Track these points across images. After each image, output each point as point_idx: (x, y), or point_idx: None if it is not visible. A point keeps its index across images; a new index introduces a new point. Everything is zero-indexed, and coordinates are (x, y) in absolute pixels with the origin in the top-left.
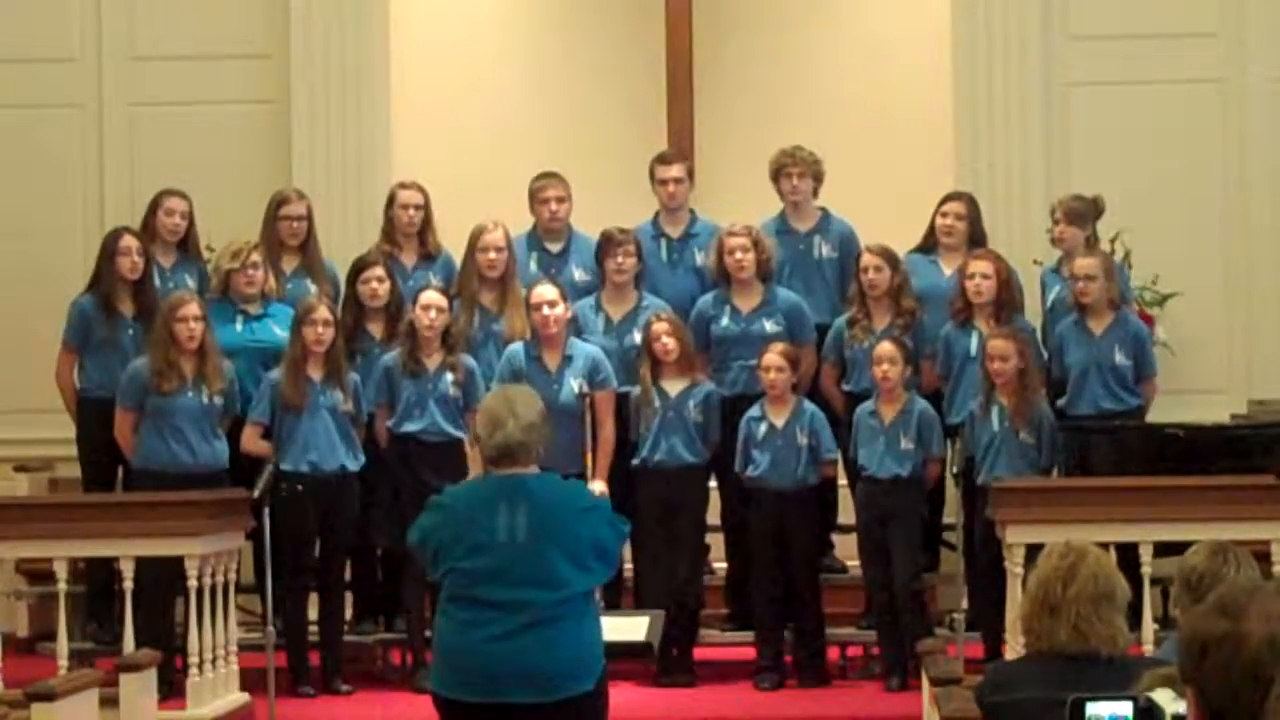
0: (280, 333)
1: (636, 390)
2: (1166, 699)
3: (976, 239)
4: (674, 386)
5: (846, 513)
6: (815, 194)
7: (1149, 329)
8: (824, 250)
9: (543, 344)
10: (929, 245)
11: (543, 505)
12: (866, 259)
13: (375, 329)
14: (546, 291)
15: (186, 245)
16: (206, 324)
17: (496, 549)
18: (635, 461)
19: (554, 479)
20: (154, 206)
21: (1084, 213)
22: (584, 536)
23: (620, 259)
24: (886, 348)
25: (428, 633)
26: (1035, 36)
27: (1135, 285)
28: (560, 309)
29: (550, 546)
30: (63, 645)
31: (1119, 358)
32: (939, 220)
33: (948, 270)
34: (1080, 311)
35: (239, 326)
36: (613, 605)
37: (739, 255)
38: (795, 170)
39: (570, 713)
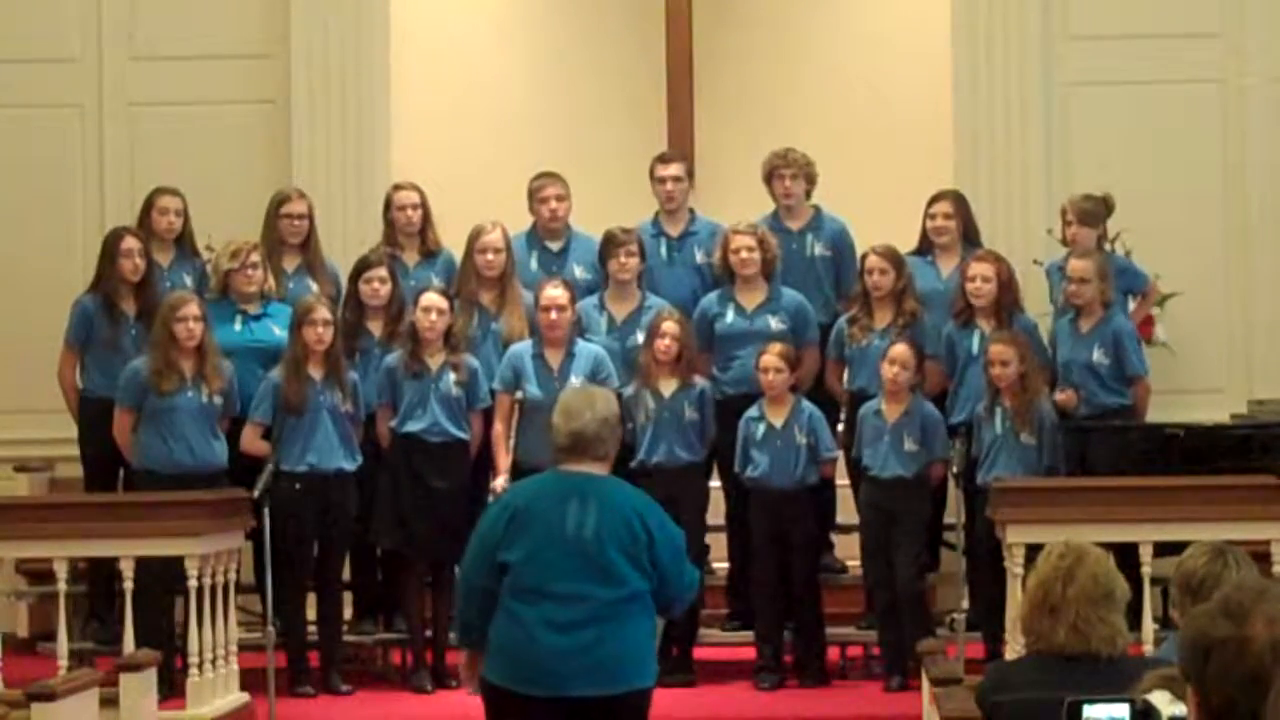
0: (280, 332)
1: (629, 389)
2: (1164, 701)
3: (969, 236)
4: (668, 387)
5: (846, 513)
6: (808, 195)
7: (1143, 328)
8: (817, 249)
9: (546, 343)
10: (924, 247)
11: (613, 506)
12: (871, 260)
13: (376, 328)
14: (558, 295)
15: (183, 242)
16: (206, 324)
17: (563, 543)
18: (633, 463)
19: (622, 482)
20: (148, 205)
21: (1096, 213)
22: (653, 538)
23: (623, 258)
24: (902, 350)
25: (428, 633)
26: (1035, 36)
27: None
28: (568, 311)
29: (613, 545)
30: (63, 645)
31: (1097, 355)
32: (928, 222)
33: (945, 271)
34: (1076, 312)
35: (238, 326)
36: None
37: (744, 254)
38: (788, 172)
39: (628, 708)
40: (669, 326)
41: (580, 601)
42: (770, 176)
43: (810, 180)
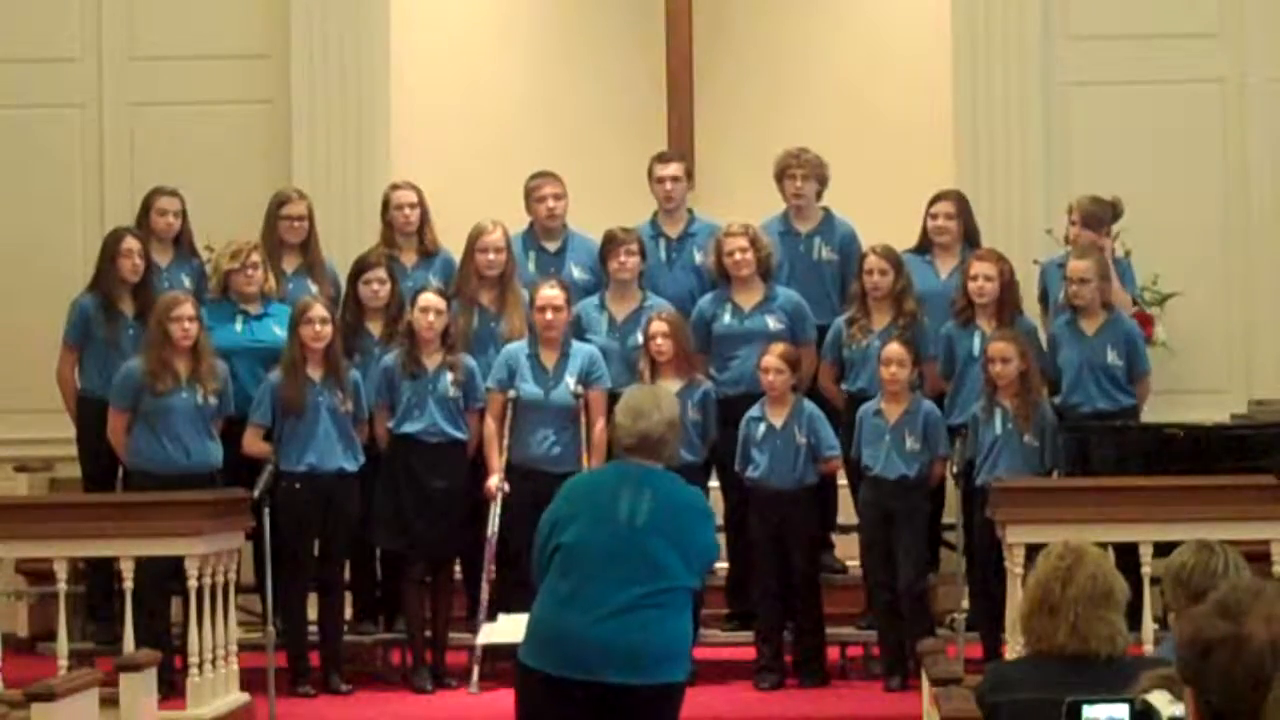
0: (280, 332)
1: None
2: (1163, 701)
3: (970, 237)
4: (670, 387)
5: (846, 513)
6: (819, 196)
7: (1143, 328)
8: (824, 252)
9: (542, 343)
10: (924, 246)
11: (668, 497)
12: (871, 261)
13: (375, 329)
14: (554, 295)
15: (181, 242)
16: (201, 324)
17: (614, 528)
18: None
19: (678, 478)
20: (147, 206)
21: (1101, 216)
22: (697, 539)
23: (623, 257)
24: (896, 349)
25: (428, 633)
26: (1035, 36)
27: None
28: (564, 312)
29: (663, 537)
30: (63, 645)
31: (1111, 357)
32: (930, 221)
33: (943, 271)
34: (1073, 312)
35: (239, 327)
36: None
37: (738, 256)
38: (800, 172)
39: (660, 700)
40: (657, 326)
41: (626, 587)
42: (781, 176)
43: (821, 181)
